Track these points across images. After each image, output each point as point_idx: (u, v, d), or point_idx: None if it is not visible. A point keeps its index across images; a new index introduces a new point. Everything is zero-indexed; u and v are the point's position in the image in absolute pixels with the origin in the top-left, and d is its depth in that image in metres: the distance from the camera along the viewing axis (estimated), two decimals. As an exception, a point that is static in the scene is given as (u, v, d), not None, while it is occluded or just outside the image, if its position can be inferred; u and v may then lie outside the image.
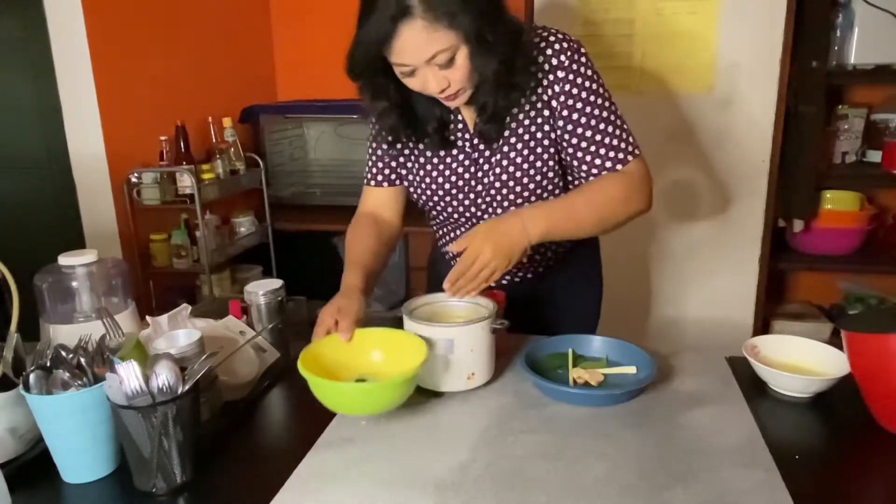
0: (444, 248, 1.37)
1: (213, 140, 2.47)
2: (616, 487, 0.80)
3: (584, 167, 1.12)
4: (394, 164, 1.26)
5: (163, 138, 2.26)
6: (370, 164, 1.28)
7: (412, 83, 1.05)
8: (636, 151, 1.13)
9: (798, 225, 2.34)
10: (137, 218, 2.25)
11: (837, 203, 2.34)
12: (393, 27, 0.96)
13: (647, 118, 2.21)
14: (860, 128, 2.39)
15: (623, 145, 1.11)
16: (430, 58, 0.98)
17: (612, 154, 1.10)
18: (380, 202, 1.30)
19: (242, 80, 2.89)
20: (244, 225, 2.61)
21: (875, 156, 2.36)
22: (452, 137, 1.19)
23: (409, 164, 1.24)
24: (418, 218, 1.38)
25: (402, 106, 1.13)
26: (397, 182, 1.28)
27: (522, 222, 1.03)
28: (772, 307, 2.51)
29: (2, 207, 2.24)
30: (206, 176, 2.29)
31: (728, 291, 2.33)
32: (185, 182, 2.23)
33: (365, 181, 1.30)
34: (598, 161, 1.11)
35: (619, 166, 1.11)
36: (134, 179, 2.22)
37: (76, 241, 2.21)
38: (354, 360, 1.02)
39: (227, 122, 2.47)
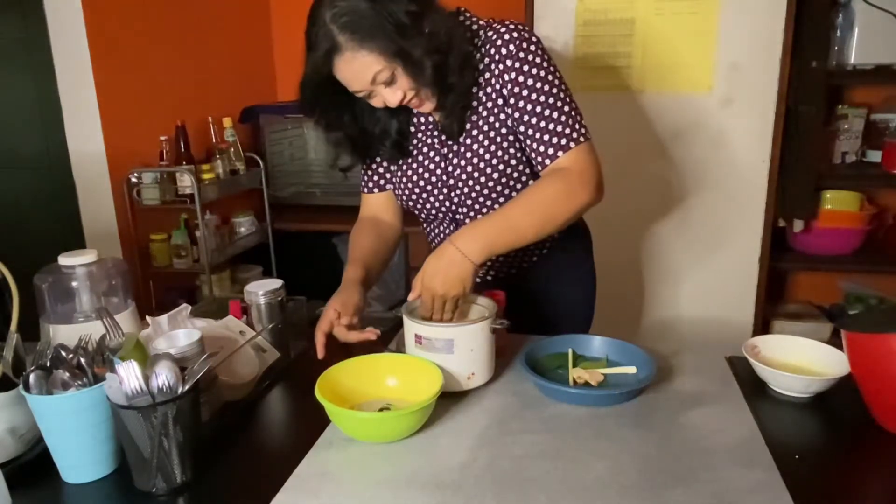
0: (431, 243, 1.40)
1: (213, 140, 2.47)
2: (616, 487, 0.80)
3: (534, 154, 1.13)
4: (381, 170, 1.33)
5: (163, 138, 2.26)
6: (363, 172, 1.35)
7: (375, 102, 1.12)
8: (581, 139, 1.11)
9: (798, 225, 2.34)
10: (137, 218, 2.25)
11: (837, 203, 2.34)
12: (329, 63, 1.05)
13: (647, 118, 2.21)
14: (860, 128, 2.39)
15: (568, 130, 1.10)
16: (371, 80, 1.06)
17: (555, 139, 1.10)
18: (377, 206, 1.36)
19: (242, 80, 2.89)
20: (244, 225, 2.62)
21: (875, 156, 2.36)
22: (422, 136, 1.23)
23: (392, 168, 1.30)
24: (418, 218, 1.39)
25: (359, 134, 1.20)
26: (388, 187, 1.34)
27: (456, 248, 1.04)
28: (772, 307, 2.51)
29: (2, 207, 2.25)
30: (206, 176, 2.29)
31: (728, 291, 2.33)
32: (185, 182, 2.23)
33: (361, 188, 1.37)
34: (541, 147, 1.11)
35: (560, 152, 1.10)
36: (134, 179, 2.22)
37: (76, 241, 2.21)
38: (370, 386, 1.02)
39: (227, 122, 2.47)
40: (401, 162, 1.26)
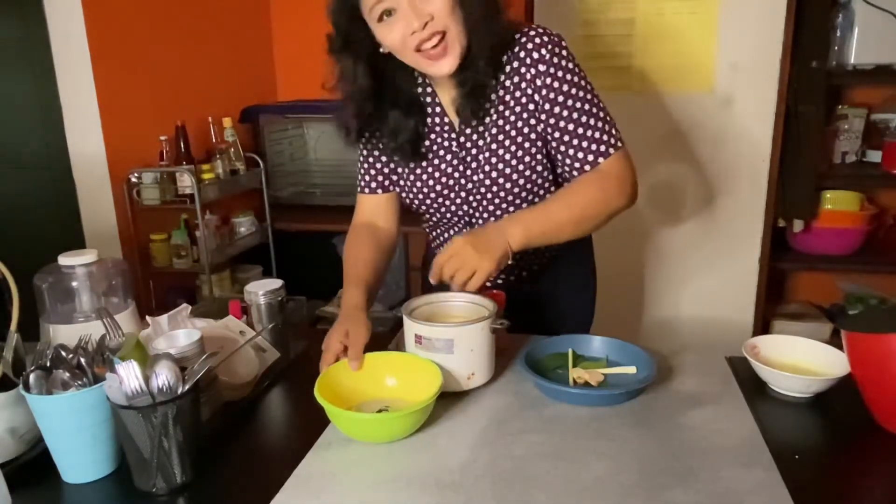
0: (435, 249, 1.38)
1: (213, 140, 2.47)
2: (616, 487, 0.80)
3: (568, 160, 1.13)
4: (386, 170, 1.26)
5: (163, 138, 2.26)
6: (362, 171, 1.28)
7: (395, 31, 1.02)
8: (618, 144, 1.12)
9: (798, 225, 2.34)
10: (137, 218, 2.25)
11: (837, 203, 2.34)
12: None
13: (647, 118, 2.21)
14: (860, 128, 2.39)
15: (605, 137, 1.11)
16: None
17: (593, 146, 1.11)
18: (375, 210, 1.30)
19: (242, 80, 2.88)
20: (244, 225, 2.61)
21: (875, 156, 2.36)
22: (438, 139, 1.19)
23: (399, 169, 1.25)
24: (418, 218, 1.38)
25: (371, 96, 1.12)
26: (391, 188, 1.28)
27: (500, 226, 1.05)
28: (772, 307, 2.51)
29: (2, 207, 2.24)
30: (206, 176, 2.29)
31: (728, 291, 2.33)
32: (185, 182, 2.23)
33: (358, 189, 1.30)
34: (580, 154, 1.11)
35: (600, 158, 1.11)
36: (134, 179, 2.22)
37: (76, 241, 2.21)
38: (370, 386, 1.02)
39: (227, 122, 2.47)
40: (413, 164, 1.22)
